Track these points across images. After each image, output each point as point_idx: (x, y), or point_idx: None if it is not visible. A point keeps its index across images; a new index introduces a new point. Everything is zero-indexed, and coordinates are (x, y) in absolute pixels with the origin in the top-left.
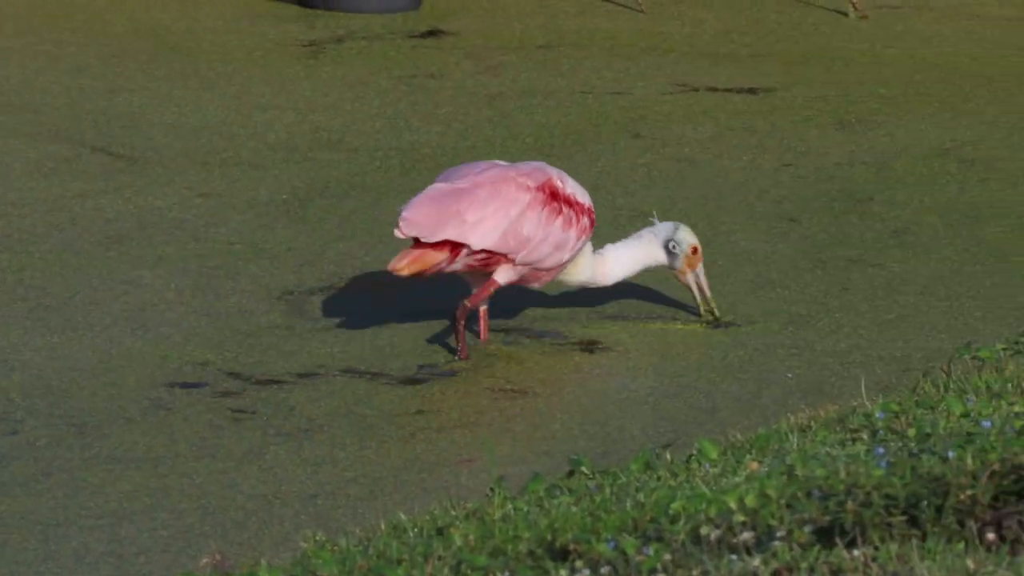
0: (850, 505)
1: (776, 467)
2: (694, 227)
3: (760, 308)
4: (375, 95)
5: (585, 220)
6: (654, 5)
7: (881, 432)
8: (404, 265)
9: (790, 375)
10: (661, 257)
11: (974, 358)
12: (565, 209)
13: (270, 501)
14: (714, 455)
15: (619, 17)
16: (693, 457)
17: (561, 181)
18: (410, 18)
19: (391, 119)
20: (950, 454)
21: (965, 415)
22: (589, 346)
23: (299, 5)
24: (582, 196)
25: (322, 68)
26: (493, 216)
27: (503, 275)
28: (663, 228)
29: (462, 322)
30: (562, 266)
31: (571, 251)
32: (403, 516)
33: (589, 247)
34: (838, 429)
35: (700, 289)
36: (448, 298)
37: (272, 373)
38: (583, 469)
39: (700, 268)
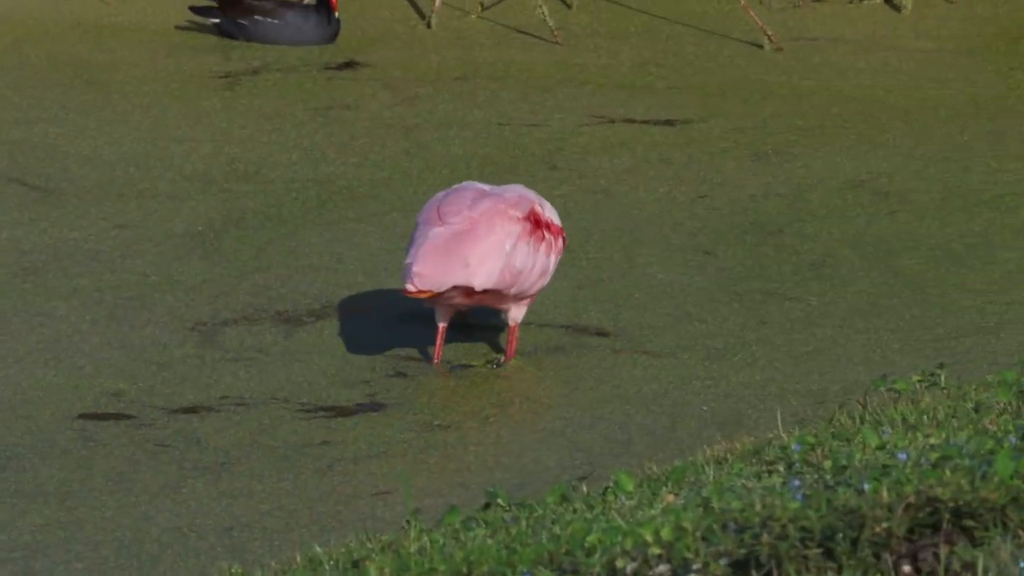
0: (766, 538)
1: (692, 499)
2: (610, 259)
3: (676, 341)
4: (291, 127)
5: (560, 242)
6: (570, 37)
7: (797, 464)
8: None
9: (704, 408)
10: None
11: (890, 390)
12: (547, 235)
13: (185, 534)
14: (630, 487)
15: (535, 49)
16: (609, 489)
17: (541, 206)
18: (326, 50)
19: (307, 150)
20: (866, 486)
21: (881, 447)
22: (502, 377)
23: (219, 35)
24: (556, 218)
25: (238, 100)
26: (492, 254)
27: (518, 313)
28: None
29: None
30: (538, 293)
31: (549, 276)
32: (319, 549)
33: None
34: (754, 461)
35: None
36: (359, 331)
37: (187, 404)
38: (499, 501)
39: None
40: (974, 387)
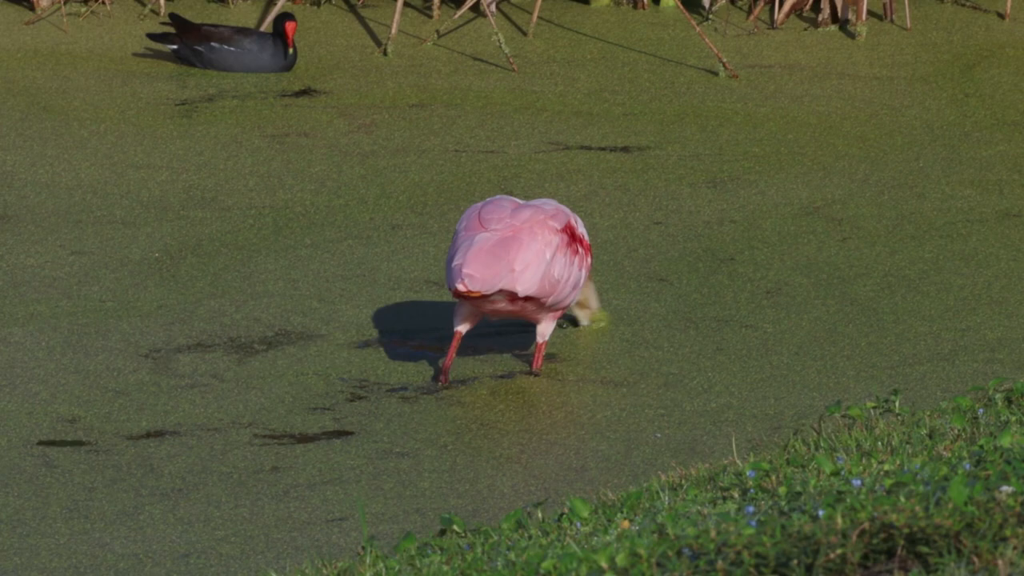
0: (720, 564)
1: (647, 526)
2: None
3: (632, 368)
4: (248, 153)
5: (589, 258)
6: (526, 64)
7: (752, 490)
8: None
9: (659, 434)
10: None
11: (844, 416)
12: (580, 249)
13: (142, 560)
14: (585, 513)
15: (491, 76)
16: (564, 515)
17: (575, 221)
18: (283, 77)
19: (264, 177)
20: (820, 512)
21: (835, 473)
22: (457, 403)
23: (176, 63)
24: (586, 234)
25: (195, 127)
26: (534, 262)
27: (546, 329)
28: None
29: (538, 364)
30: (569, 305)
31: (580, 289)
32: (274, 575)
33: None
34: (709, 488)
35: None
36: (314, 357)
37: (143, 431)
38: (455, 527)
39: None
40: (928, 413)
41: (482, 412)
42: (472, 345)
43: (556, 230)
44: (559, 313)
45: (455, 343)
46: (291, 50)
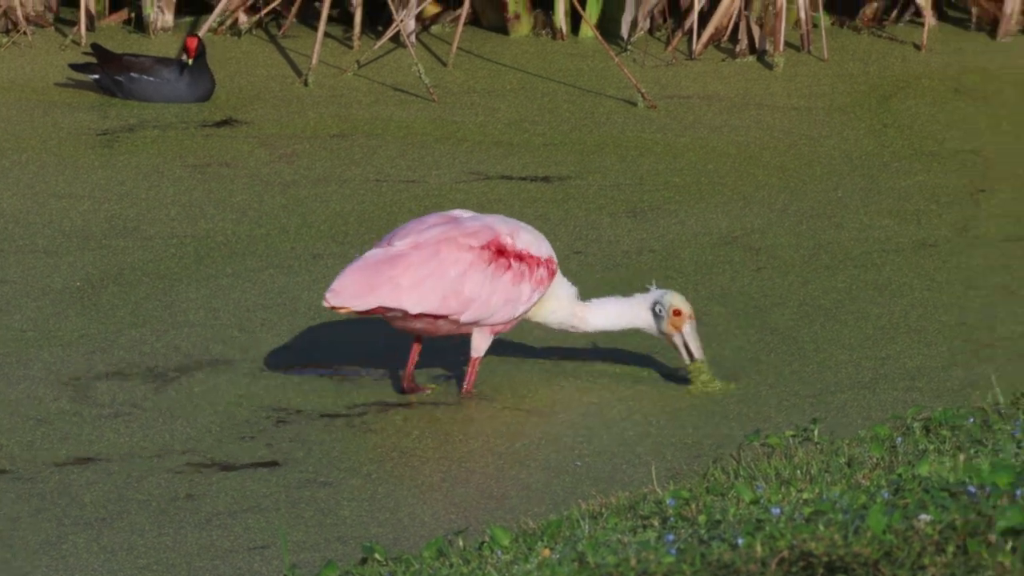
0: None
1: (567, 554)
2: None
3: (551, 397)
4: (169, 183)
5: (542, 271)
6: (446, 95)
7: (672, 519)
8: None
9: (578, 463)
10: (648, 319)
11: (764, 445)
12: (515, 264)
13: None
14: (506, 542)
15: (412, 106)
16: (485, 544)
17: (511, 237)
18: (204, 107)
19: (185, 207)
20: (739, 541)
21: (755, 502)
22: (376, 431)
23: (98, 92)
24: (537, 248)
25: (117, 157)
26: (430, 279)
27: (479, 344)
28: (653, 293)
29: (468, 392)
30: (517, 319)
31: (526, 303)
32: None
33: (571, 292)
34: (629, 516)
35: (686, 347)
36: (234, 385)
37: (65, 459)
38: (376, 556)
39: (687, 329)
40: (847, 442)
41: (400, 439)
42: (391, 368)
43: (470, 247)
44: (500, 328)
45: (413, 354)
46: (190, 61)
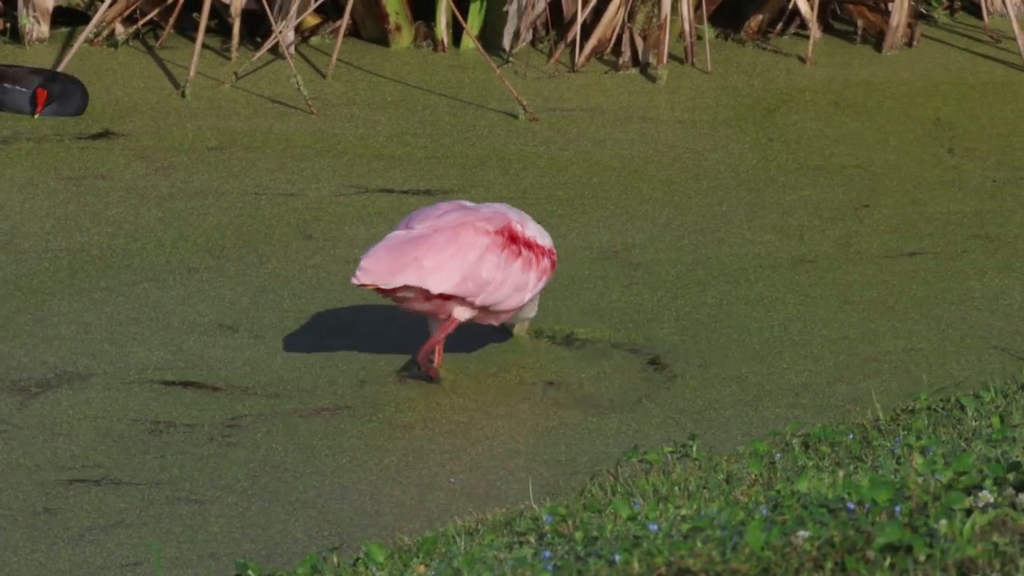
0: None
1: (443, 570)
2: (356, 329)
3: (421, 413)
4: (44, 196)
5: (546, 261)
6: (326, 107)
7: (548, 535)
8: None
9: (452, 479)
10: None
11: (642, 461)
12: (525, 251)
13: None
14: (381, 558)
15: (291, 119)
16: (360, 560)
17: (521, 225)
18: (80, 120)
19: (60, 220)
20: (617, 557)
21: (632, 518)
22: (246, 446)
23: None
24: (541, 239)
25: None
26: (452, 260)
27: (461, 314)
28: None
29: (425, 362)
30: (520, 307)
31: (531, 292)
32: None
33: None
34: (506, 532)
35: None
36: (103, 399)
37: None
38: (250, 572)
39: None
40: (725, 458)
41: (270, 453)
42: (262, 382)
43: (486, 231)
44: (506, 316)
45: (435, 343)
46: (36, 115)
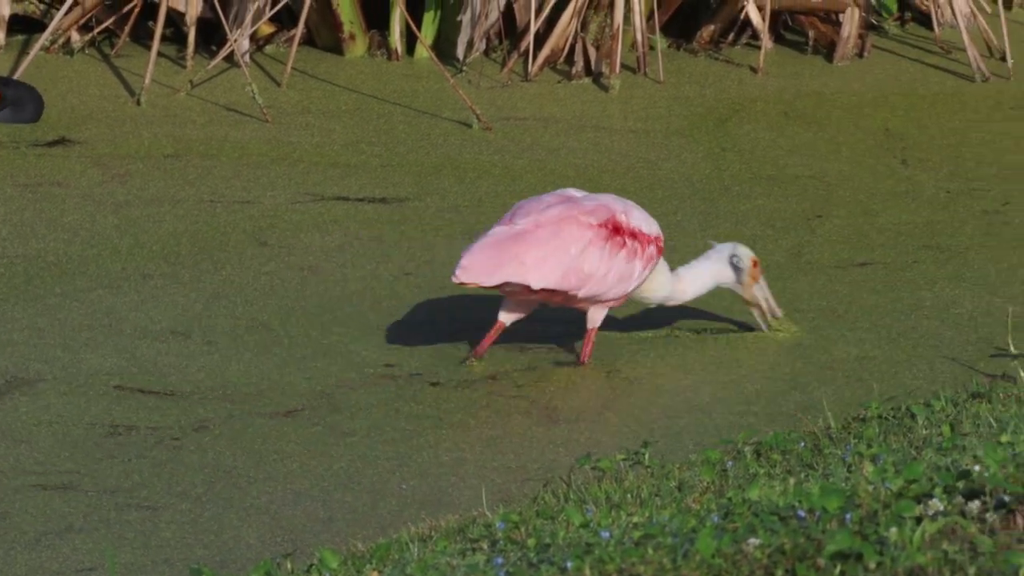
0: None
1: None
2: (308, 336)
3: (368, 421)
4: (0, 203)
5: (651, 248)
6: (281, 115)
7: (501, 542)
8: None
9: (404, 486)
10: (729, 274)
11: (595, 469)
12: (629, 242)
13: None
14: (335, 564)
15: (246, 127)
16: (314, 567)
17: (626, 215)
18: (36, 127)
19: (16, 227)
20: (569, 564)
21: (584, 525)
22: (198, 451)
23: None
24: (648, 226)
25: None
26: (553, 256)
27: (594, 316)
28: (723, 247)
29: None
30: (627, 295)
31: (636, 280)
32: None
33: (666, 267)
34: (458, 539)
35: (767, 301)
36: (54, 404)
37: None
38: None
39: (763, 281)
40: (678, 466)
41: (221, 459)
42: (216, 388)
43: (589, 225)
44: (614, 303)
45: (494, 332)
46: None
